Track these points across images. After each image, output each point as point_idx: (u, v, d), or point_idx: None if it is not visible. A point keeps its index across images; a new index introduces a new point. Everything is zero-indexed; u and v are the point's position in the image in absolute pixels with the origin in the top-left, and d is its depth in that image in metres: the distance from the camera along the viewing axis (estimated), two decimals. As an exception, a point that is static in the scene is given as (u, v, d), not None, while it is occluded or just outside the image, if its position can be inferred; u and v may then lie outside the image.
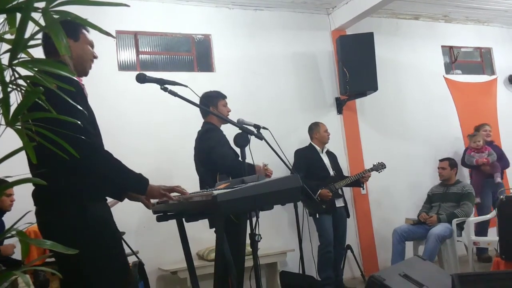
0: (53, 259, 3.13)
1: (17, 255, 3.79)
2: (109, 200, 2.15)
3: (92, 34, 2.13)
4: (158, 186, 2.09)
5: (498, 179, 5.80)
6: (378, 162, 5.17)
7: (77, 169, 1.85)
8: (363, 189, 5.63)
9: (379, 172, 5.19)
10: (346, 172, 5.66)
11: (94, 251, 1.85)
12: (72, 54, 2.01)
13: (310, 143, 5.24)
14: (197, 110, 3.28)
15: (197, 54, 5.57)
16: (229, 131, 3.45)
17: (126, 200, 2.26)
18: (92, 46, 2.17)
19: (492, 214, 5.08)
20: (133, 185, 2.05)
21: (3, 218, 3.91)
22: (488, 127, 6.22)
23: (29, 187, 1.90)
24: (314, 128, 5.23)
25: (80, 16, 1.16)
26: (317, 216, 4.92)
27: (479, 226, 5.57)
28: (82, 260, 1.81)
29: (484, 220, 5.41)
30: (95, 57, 2.18)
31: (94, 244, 1.86)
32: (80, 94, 1.93)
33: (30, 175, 1.87)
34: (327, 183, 4.93)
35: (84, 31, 2.13)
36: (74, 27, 2.07)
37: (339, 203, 5.03)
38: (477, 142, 5.95)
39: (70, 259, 1.80)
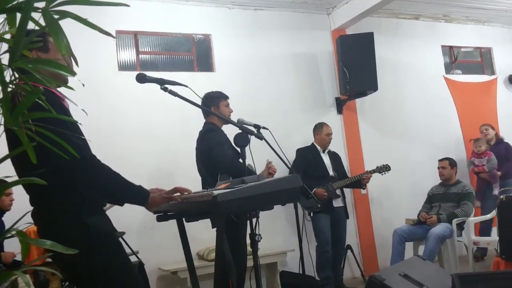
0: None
1: (17, 256, 3.79)
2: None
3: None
4: (159, 194, 2.07)
5: (496, 191, 5.68)
6: (383, 164, 5.13)
7: (74, 183, 1.84)
8: (364, 189, 5.62)
9: (382, 175, 5.17)
10: (346, 172, 5.65)
11: (101, 264, 1.86)
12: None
13: (313, 142, 5.25)
14: (197, 110, 3.28)
15: (197, 54, 5.57)
16: (230, 131, 3.46)
17: (126, 200, 2.26)
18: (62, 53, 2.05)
19: (492, 214, 5.08)
20: (133, 199, 2.02)
21: (2, 218, 3.91)
22: (484, 127, 6.18)
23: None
24: (318, 129, 5.23)
25: (80, 16, 1.16)
26: (311, 215, 4.92)
27: (483, 226, 5.57)
28: (92, 273, 1.83)
29: (487, 220, 5.39)
30: (70, 64, 2.02)
31: (100, 257, 1.86)
32: (58, 107, 1.84)
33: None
34: (324, 182, 4.93)
35: (49, 38, 1.94)
36: (44, 40, 1.91)
37: (337, 203, 5.02)
38: (478, 148, 5.94)
39: (77, 272, 1.83)
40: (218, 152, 3.49)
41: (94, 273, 1.86)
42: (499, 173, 5.86)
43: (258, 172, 3.48)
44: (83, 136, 1.95)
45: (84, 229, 1.85)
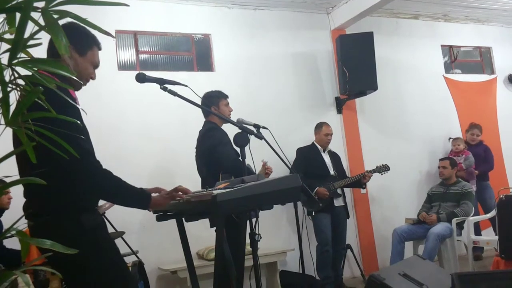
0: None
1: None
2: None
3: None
4: (160, 195, 2.07)
5: (473, 187, 5.70)
6: (382, 164, 5.15)
7: (72, 181, 1.83)
8: (364, 189, 5.62)
9: (381, 174, 5.18)
10: (346, 172, 5.65)
11: (92, 258, 1.84)
12: (74, 67, 1.98)
13: (313, 141, 5.25)
14: (197, 109, 3.28)
15: (196, 53, 5.57)
16: (230, 131, 3.45)
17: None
18: (96, 67, 2.11)
19: (492, 213, 5.08)
20: (135, 204, 2.03)
21: (1, 218, 3.90)
22: (475, 130, 6.21)
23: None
24: (318, 128, 5.25)
25: (79, 16, 1.16)
26: (313, 214, 4.92)
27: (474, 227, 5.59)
28: (82, 267, 1.81)
29: (476, 222, 5.41)
30: (93, 79, 2.11)
31: (91, 251, 1.84)
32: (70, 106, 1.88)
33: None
34: (325, 182, 4.93)
35: (95, 48, 2.06)
36: (84, 42, 2.02)
37: (338, 202, 5.03)
38: (456, 146, 6.02)
39: (69, 267, 1.79)
40: (220, 151, 3.49)
41: (86, 268, 1.83)
42: (476, 171, 5.92)
43: (257, 172, 3.48)
44: (86, 136, 1.94)
45: (77, 225, 1.84)
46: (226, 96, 3.84)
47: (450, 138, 6.27)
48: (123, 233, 4.04)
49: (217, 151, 3.49)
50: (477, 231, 5.66)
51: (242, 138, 2.73)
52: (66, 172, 1.80)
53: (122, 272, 2.00)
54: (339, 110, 6.08)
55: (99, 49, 2.10)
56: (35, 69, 1.12)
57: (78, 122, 1.61)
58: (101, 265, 1.89)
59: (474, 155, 5.97)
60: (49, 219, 1.83)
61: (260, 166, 3.70)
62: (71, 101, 1.44)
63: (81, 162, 1.69)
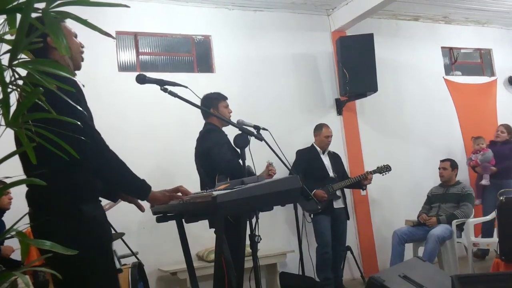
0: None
1: (17, 255, 3.78)
2: (106, 202, 2.14)
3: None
4: (160, 191, 2.06)
5: (484, 181, 5.82)
6: (384, 165, 5.14)
7: (76, 170, 1.83)
8: (364, 190, 5.62)
9: (382, 175, 5.17)
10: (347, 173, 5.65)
11: (91, 252, 1.82)
12: None
13: (313, 143, 5.25)
14: (197, 111, 3.29)
15: (197, 55, 5.58)
16: (230, 132, 3.46)
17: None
18: (76, 36, 2.10)
19: (492, 215, 5.08)
20: (135, 191, 2.02)
21: (3, 218, 3.90)
22: (500, 127, 6.26)
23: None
24: (318, 130, 5.24)
25: (80, 17, 1.16)
26: (311, 217, 4.92)
27: (485, 227, 5.58)
28: (80, 262, 1.78)
29: (489, 221, 5.39)
30: (83, 46, 2.12)
31: (91, 245, 1.82)
32: (80, 94, 1.91)
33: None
34: (324, 184, 4.93)
35: (63, 23, 2.03)
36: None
37: (337, 204, 5.02)
38: (480, 145, 6.04)
39: (67, 261, 1.77)
40: (215, 152, 3.49)
41: (81, 260, 1.77)
42: (494, 168, 5.92)
43: (257, 173, 3.48)
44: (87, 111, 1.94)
45: (78, 215, 1.83)
46: (225, 98, 3.83)
47: (472, 137, 6.30)
48: (122, 234, 4.03)
49: (213, 152, 3.49)
50: (490, 232, 5.57)
51: (242, 140, 2.73)
52: (66, 169, 1.78)
53: (115, 277, 2.00)
54: (339, 112, 6.08)
55: (63, 21, 2.05)
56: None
57: (79, 123, 1.60)
58: (99, 262, 1.87)
59: (497, 152, 5.99)
60: (49, 219, 1.83)
61: (260, 168, 3.69)
62: (70, 101, 1.43)
63: (90, 141, 1.73)
